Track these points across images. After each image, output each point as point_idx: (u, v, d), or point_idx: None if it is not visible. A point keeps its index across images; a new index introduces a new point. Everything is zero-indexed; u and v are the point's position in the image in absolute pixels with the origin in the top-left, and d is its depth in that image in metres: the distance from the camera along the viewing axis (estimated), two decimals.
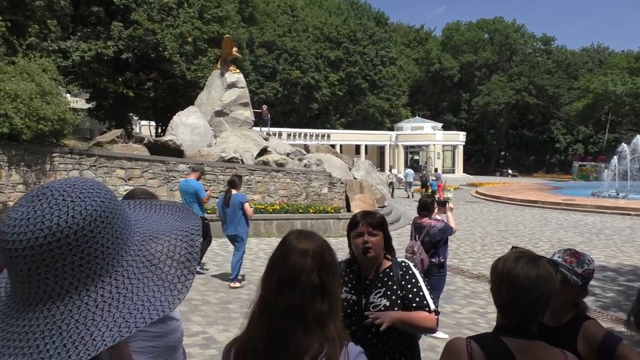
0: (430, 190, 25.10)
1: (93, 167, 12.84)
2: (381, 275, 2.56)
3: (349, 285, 2.60)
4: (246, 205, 8.15)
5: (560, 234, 15.20)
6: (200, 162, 14.43)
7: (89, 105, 26.44)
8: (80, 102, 30.30)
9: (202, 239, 7.79)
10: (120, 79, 22.19)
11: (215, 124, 17.73)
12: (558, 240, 13.76)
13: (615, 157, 33.85)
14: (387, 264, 2.60)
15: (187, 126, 16.76)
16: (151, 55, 21.94)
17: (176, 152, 14.82)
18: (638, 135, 33.44)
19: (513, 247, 1.87)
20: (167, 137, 16.16)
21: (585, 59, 68.38)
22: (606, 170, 36.13)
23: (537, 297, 1.67)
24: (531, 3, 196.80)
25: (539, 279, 1.66)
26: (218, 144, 16.74)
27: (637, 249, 12.58)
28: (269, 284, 1.62)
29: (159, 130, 27.09)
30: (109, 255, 0.84)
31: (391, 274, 2.56)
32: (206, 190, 9.53)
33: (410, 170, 32.13)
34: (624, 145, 34.16)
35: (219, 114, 17.84)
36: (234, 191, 8.21)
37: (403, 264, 2.61)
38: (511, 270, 1.69)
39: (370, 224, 2.53)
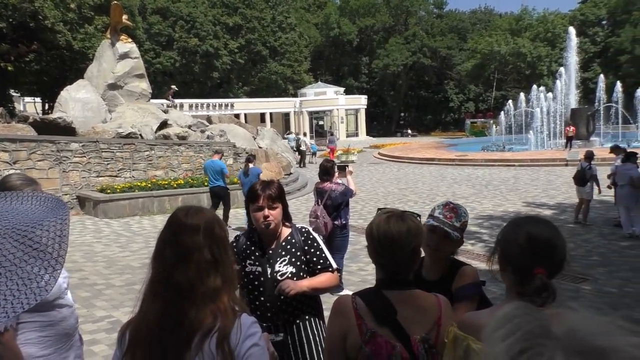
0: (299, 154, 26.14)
1: None
2: (283, 243, 2.62)
3: (252, 257, 2.63)
4: (261, 175, 9.94)
5: (455, 187, 16.33)
6: (94, 139, 13.65)
7: None
8: None
9: (226, 206, 10.09)
10: None
11: (109, 98, 16.72)
12: (453, 194, 14.79)
13: (502, 114, 36.57)
14: (287, 231, 2.66)
15: (78, 101, 15.68)
16: (30, 24, 20.05)
17: (67, 130, 13.87)
18: (522, 93, 36.27)
19: (379, 209, 2.02)
20: (55, 115, 15.04)
21: (474, 21, 72.23)
22: (494, 126, 38.95)
23: (411, 249, 1.85)
24: None
25: (410, 232, 1.83)
26: (114, 120, 15.88)
27: (519, 197, 13.88)
28: (160, 263, 1.60)
29: (46, 107, 25.07)
30: None
31: (293, 241, 2.63)
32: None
33: (292, 135, 31.83)
34: (509, 102, 36.96)
35: (113, 87, 16.84)
36: (251, 165, 10.51)
37: (303, 229, 2.70)
38: (387, 231, 1.84)
39: (270, 197, 2.55)
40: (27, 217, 0.97)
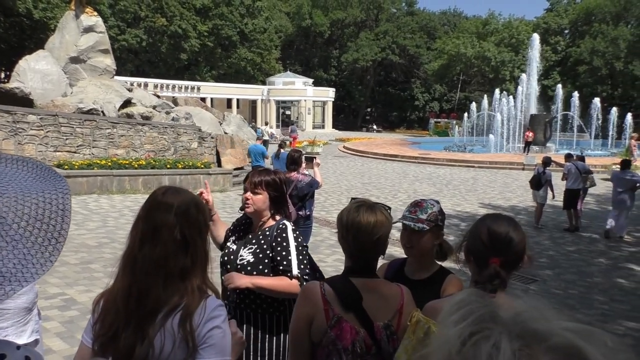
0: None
1: None
2: (259, 233, 2.66)
3: (235, 235, 2.74)
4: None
5: (416, 185, 16.65)
6: (53, 112, 13.20)
7: None
8: None
9: None
10: None
11: (70, 72, 16.15)
12: (414, 191, 15.08)
13: (465, 115, 37.39)
14: (271, 223, 2.68)
15: (37, 72, 15.08)
16: None
17: (24, 101, 13.35)
18: (485, 96, 37.16)
19: (352, 199, 2.10)
20: (12, 85, 14.42)
21: (443, 21, 73.21)
22: (457, 127, 39.78)
23: (378, 239, 1.92)
24: None
25: (377, 223, 1.91)
26: (75, 94, 15.37)
27: (477, 197, 14.29)
28: (133, 238, 1.64)
29: (2, 76, 24.01)
30: None
31: (267, 233, 2.64)
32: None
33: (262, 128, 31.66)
34: (473, 104, 37.81)
35: (75, 60, 16.26)
36: (282, 150, 11.74)
37: (281, 225, 2.65)
38: (354, 219, 1.92)
39: (254, 183, 2.63)
40: (24, 185, 0.95)
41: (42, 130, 12.81)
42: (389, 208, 2.06)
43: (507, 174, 20.27)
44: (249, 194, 2.63)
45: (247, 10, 52.94)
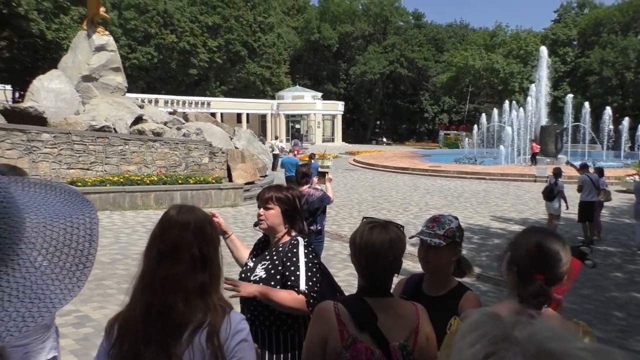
0: None
1: None
2: (273, 249, 2.67)
3: (254, 252, 2.78)
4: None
5: (427, 198, 16.58)
6: (67, 131, 13.37)
7: None
8: None
9: None
10: None
11: (83, 90, 16.40)
12: (425, 204, 15.01)
13: (476, 127, 37.28)
14: (286, 239, 2.67)
15: (51, 91, 15.31)
16: (2, 10, 19.51)
17: (38, 120, 13.55)
18: (495, 108, 37.08)
19: (364, 218, 2.09)
20: (27, 104, 14.66)
21: (450, 34, 73.43)
22: (467, 139, 39.65)
23: (393, 260, 1.92)
24: None
25: (392, 243, 1.90)
26: (87, 112, 15.57)
27: (489, 210, 14.18)
28: (150, 258, 1.66)
29: (17, 96, 24.43)
30: (5, 245, 0.80)
31: (280, 249, 2.64)
32: None
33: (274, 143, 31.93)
34: (483, 116, 37.73)
35: (87, 79, 16.51)
36: (312, 161, 14.09)
37: (294, 241, 2.64)
38: (368, 241, 1.91)
39: (264, 199, 2.67)
40: (52, 210, 0.96)
41: (55, 148, 12.97)
42: (402, 226, 2.06)
43: (519, 186, 20.13)
44: (261, 210, 2.67)
45: (258, 26, 53.59)
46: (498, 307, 1.80)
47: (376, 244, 1.89)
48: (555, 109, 40.72)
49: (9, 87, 25.93)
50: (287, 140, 43.82)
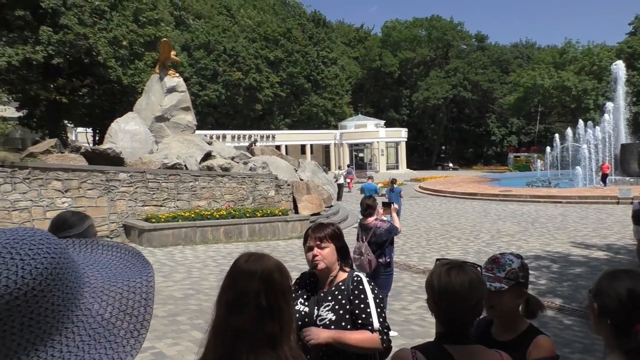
0: None
1: (27, 180, 12.22)
2: (333, 288, 2.57)
3: (304, 297, 2.62)
4: (401, 192, 15.64)
5: (499, 224, 15.88)
6: (142, 169, 14.06)
7: (19, 114, 25.10)
8: (9, 111, 28.70)
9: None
10: (52, 86, 21.20)
11: (156, 130, 17.30)
12: (497, 231, 14.38)
13: (548, 148, 35.67)
14: (343, 276, 2.60)
15: (127, 133, 16.26)
16: (84, 60, 21.09)
17: (116, 160, 14.35)
18: (569, 128, 35.39)
19: (437, 260, 1.95)
20: (105, 145, 15.62)
21: (515, 54, 71.63)
22: (539, 161, 37.99)
23: (475, 304, 1.78)
24: (460, 1, 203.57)
25: (472, 285, 1.76)
26: (160, 150, 16.36)
27: (568, 235, 13.34)
28: (219, 308, 1.63)
29: (97, 138, 26.13)
30: (60, 312, 0.80)
31: (342, 287, 2.55)
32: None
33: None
34: (556, 136, 36.09)
35: (160, 119, 17.43)
36: (395, 185, 15.51)
37: (356, 277, 2.58)
38: (448, 284, 1.78)
39: (318, 237, 2.56)
40: (112, 273, 0.95)
41: (131, 186, 13.64)
42: (479, 266, 1.91)
43: (600, 209, 18.89)
44: (316, 250, 2.54)
45: (321, 61, 54.83)
46: None
47: (456, 286, 1.76)
48: (637, 126, 38.26)
49: (90, 130, 27.79)
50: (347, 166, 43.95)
